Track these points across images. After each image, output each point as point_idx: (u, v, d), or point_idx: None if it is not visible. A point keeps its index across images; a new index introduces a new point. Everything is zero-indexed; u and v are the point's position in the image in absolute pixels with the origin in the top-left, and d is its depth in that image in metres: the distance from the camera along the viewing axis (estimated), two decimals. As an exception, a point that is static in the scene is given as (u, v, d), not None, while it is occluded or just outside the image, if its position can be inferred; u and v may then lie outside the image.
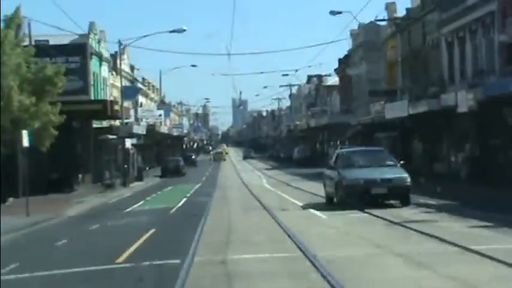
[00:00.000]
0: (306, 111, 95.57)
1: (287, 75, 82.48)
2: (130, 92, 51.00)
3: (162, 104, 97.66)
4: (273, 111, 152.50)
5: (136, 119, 66.19)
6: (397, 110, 46.54)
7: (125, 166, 49.52)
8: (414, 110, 42.90)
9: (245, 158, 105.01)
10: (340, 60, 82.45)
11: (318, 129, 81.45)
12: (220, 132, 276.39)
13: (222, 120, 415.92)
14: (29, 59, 36.92)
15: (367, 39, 69.13)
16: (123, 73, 68.46)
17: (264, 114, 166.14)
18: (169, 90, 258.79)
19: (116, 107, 47.33)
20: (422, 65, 51.06)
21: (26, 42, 41.16)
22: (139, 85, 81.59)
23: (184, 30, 49.54)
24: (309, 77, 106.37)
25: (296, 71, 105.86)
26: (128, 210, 29.42)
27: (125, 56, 71.95)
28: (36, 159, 44.07)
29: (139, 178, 56.53)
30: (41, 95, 36.63)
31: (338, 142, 74.33)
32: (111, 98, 54.49)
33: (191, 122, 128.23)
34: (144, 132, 61.50)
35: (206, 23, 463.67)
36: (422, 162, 50.47)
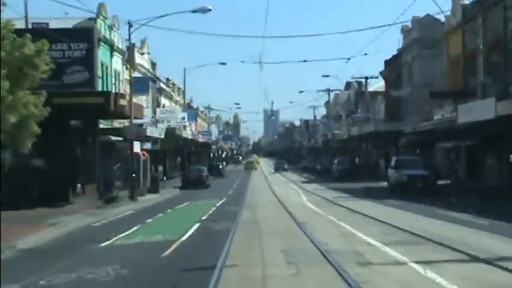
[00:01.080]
0: (346, 119, 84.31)
1: (327, 76, 71.26)
2: (141, 84, 40.28)
3: (188, 108, 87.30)
4: (306, 121, 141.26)
5: (155, 122, 55.52)
6: (477, 112, 35.21)
7: (133, 175, 38.80)
8: (506, 111, 31.72)
9: (277, 170, 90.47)
10: (387, 62, 71.28)
11: (360, 139, 70.18)
12: (251, 142, 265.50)
13: (253, 129, 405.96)
14: (8, 35, 26.58)
15: (421, 35, 58.13)
16: (141, 69, 58.05)
17: (297, 123, 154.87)
18: (196, 94, 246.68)
19: (123, 102, 36.67)
20: (504, 57, 39.97)
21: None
22: (163, 85, 71.08)
23: (209, 9, 38.80)
24: (348, 83, 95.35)
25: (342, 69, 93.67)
26: (105, 244, 18.57)
27: (145, 50, 61.52)
28: (24, 165, 34.76)
29: (154, 189, 45.82)
30: (17, 80, 26.00)
31: (388, 153, 63.17)
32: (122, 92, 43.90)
33: (220, 129, 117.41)
34: (162, 136, 50.83)
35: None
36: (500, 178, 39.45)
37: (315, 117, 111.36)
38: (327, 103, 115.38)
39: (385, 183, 47.13)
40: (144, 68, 60.22)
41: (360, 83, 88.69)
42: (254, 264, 13.41)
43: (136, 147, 38.14)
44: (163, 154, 61.00)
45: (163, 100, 72.62)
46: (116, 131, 42.76)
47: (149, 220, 26.42)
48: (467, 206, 28.42)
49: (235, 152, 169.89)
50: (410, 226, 19.82)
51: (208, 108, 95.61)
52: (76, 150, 40.72)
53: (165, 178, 50.85)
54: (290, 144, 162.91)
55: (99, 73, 44.98)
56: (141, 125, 46.41)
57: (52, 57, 44.00)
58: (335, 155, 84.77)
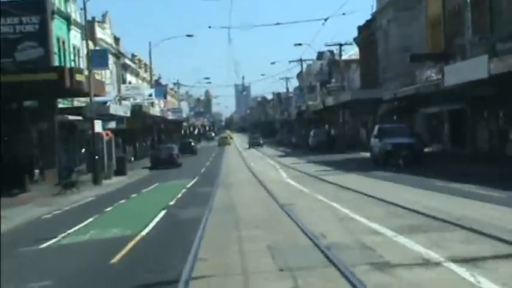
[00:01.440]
0: (320, 90, 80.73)
1: (300, 44, 67.28)
2: (99, 57, 36.16)
3: (157, 85, 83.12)
4: (279, 94, 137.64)
5: (120, 99, 51.47)
6: (466, 72, 31.80)
7: (96, 157, 34.95)
8: (500, 69, 28.37)
9: (252, 145, 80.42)
10: (360, 28, 67.69)
11: (336, 109, 66.68)
12: (223, 118, 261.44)
13: (225, 105, 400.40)
14: None
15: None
16: (103, 44, 53.88)
17: (270, 97, 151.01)
18: (164, 71, 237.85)
19: (80, 78, 32.68)
20: (489, 15, 36.75)
21: None
22: (128, 61, 66.87)
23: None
24: (320, 53, 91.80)
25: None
26: (47, 244, 14.87)
27: (107, 24, 57.30)
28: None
29: (121, 171, 42.02)
30: None
31: (366, 122, 59.81)
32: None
33: (191, 105, 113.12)
34: (128, 114, 46.88)
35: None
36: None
37: (287, 89, 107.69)
38: (299, 74, 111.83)
39: (366, 154, 43.88)
40: (107, 43, 56.02)
41: (332, 52, 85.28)
42: (231, 274, 9.77)
43: (98, 126, 34.26)
44: (132, 134, 57.09)
45: (129, 77, 68.43)
46: (78, 111, 38.80)
47: (109, 208, 22.72)
48: (464, 175, 25.11)
49: (207, 128, 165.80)
50: (418, 204, 16.35)
51: (177, 84, 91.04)
52: (31, 132, 36.84)
53: (132, 159, 47.00)
54: (263, 119, 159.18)
55: (55, 49, 40.85)
56: (104, 102, 42.48)
57: (1, 33, 40.09)
58: (310, 127, 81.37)
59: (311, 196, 21.58)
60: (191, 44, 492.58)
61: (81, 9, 39.06)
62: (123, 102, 48.01)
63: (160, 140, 66.73)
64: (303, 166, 40.61)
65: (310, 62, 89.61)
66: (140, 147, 64.65)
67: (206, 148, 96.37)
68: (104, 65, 36.88)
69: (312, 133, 66.51)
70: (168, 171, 46.51)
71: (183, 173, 43.79)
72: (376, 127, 40.97)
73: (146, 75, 79.12)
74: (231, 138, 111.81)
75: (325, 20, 58.16)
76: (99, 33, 53.15)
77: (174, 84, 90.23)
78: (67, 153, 40.29)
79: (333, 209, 17.22)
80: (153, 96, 58.25)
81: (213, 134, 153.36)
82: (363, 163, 39.15)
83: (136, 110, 48.60)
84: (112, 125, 42.90)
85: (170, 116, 70.73)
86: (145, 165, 51.40)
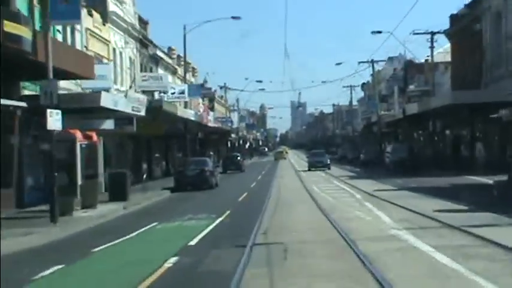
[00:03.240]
0: (399, 96, 64.04)
1: (379, 32, 49.94)
2: (64, 3, 20.37)
3: (203, 89, 67.78)
4: (339, 107, 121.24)
5: (134, 91, 35.92)
6: None
7: (55, 174, 19.41)
8: None
9: (313, 167, 55.61)
10: (454, 17, 51.07)
11: (422, 118, 50.15)
12: (278, 134, 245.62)
13: (280, 117, 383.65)
14: None
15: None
16: (121, 23, 38.94)
17: (328, 111, 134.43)
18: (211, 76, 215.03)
19: (13, 29, 17.40)
20: None
21: None
22: (161, 54, 51.63)
23: None
24: (391, 58, 75.32)
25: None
26: None
27: (127, -2, 42.22)
28: None
29: (119, 195, 26.53)
30: None
31: (472, 135, 43.06)
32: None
33: (241, 114, 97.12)
34: (142, 113, 31.43)
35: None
36: None
37: (351, 100, 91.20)
38: (364, 85, 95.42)
39: (476, 179, 28.12)
40: (127, 22, 40.90)
41: (405, 58, 68.85)
42: None
43: (56, 122, 18.69)
44: (147, 141, 41.69)
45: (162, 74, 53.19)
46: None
47: None
48: None
49: (260, 143, 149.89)
50: None
51: (225, 87, 75.07)
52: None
53: (144, 176, 31.57)
54: (321, 134, 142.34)
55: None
56: (107, 90, 27.40)
57: None
58: (382, 141, 64.84)
59: None
60: (240, 48, 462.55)
61: None
62: (139, 97, 32.51)
63: (196, 152, 51.24)
64: (399, 196, 24.34)
65: (379, 67, 73.11)
66: (159, 160, 49.14)
67: (257, 164, 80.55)
68: (74, 17, 21.26)
69: (389, 149, 50.01)
70: (194, 196, 30.97)
71: (212, 199, 28.22)
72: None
73: (188, 76, 63.86)
74: (286, 153, 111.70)
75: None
76: (112, 4, 38.04)
77: (221, 87, 74.33)
78: (32, 165, 24.98)
79: None
80: (186, 94, 42.90)
81: (266, 149, 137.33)
82: (503, 194, 22.66)
83: (154, 107, 33.06)
84: (108, 125, 27.42)
85: (211, 123, 55.01)
86: (168, 185, 35.87)
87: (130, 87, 36.20)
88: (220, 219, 19.22)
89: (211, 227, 17.33)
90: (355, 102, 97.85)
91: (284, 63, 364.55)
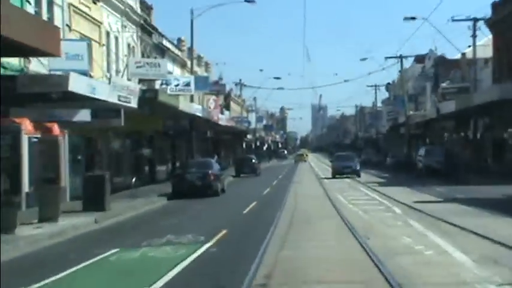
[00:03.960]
0: (432, 94, 57.54)
1: (413, 18, 42.78)
2: None
3: (216, 85, 61.89)
4: (362, 108, 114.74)
5: (128, 79, 29.91)
6: None
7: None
8: None
9: (339, 173, 43.55)
10: (496, 4, 44.64)
11: (460, 118, 43.84)
12: (299, 137, 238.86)
13: (300, 117, 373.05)
14: None
15: None
16: (117, 3, 33.15)
17: (352, 111, 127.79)
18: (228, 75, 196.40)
19: None
20: None
21: None
22: (168, 45, 45.83)
23: None
24: (419, 56, 68.61)
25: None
26: None
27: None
28: None
29: (97, 204, 20.72)
30: None
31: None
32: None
33: (258, 114, 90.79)
34: (133, 104, 25.53)
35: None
36: None
37: (375, 101, 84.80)
38: (388, 85, 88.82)
39: None
40: (124, 2, 35.05)
41: (436, 54, 62.41)
42: None
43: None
44: (138, 138, 35.84)
45: (170, 67, 47.38)
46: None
47: None
48: None
49: (280, 145, 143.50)
50: None
51: (240, 84, 68.81)
52: None
53: (133, 180, 25.61)
54: (342, 137, 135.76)
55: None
56: (82, 73, 21.60)
57: None
58: (410, 144, 58.46)
59: None
60: (257, 37, 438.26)
61: None
62: (129, 84, 26.58)
63: (207, 153, 45.25)
64: (452, 212, 18.19)
65: (408, 63, 66.66)
66: (164, 161, 43.29)
67: (275, 168, 74.36)
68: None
69: (422, 152, 43.58)
70: (191, 205, 25.11)
71: (212, 211, 22.29)
72: None
73: (199, 70, 57.95)
74: (306, 155, 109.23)
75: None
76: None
77: (236, 84, 68.06)
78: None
79: None
80: (192, 87, 36.94)
81: (286, 152, 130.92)
82: None
83: (149, 98, 27.09)
84: (81, 116, 21.53)
85: (223, 122, 48.89)
86: (168, 191, 29.88)
87: (121, 74, 30.27)
88: (208, 245, 13.19)
89: (187, 261, 11.30)
90: (379, 104, 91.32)
91: (304, 65, 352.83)
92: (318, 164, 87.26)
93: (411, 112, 58.68)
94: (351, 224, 16.00)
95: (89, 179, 21.85)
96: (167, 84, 36.20)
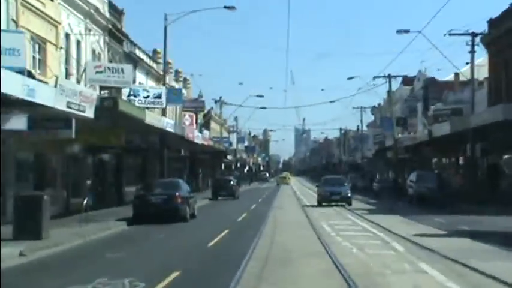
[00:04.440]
0: (423, 115, 53.85)
1: (407, 31, 38.38)
2: None
3: (195, 102, 58.14)
4: (345, 133, 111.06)
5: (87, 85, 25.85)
6: None
7: None
8: None
9: (327, 201, 36.83)
10: (493, 22, 41.22)
11: (451, 141, 40.21)
12: (281, 160, 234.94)
13: (283, 147, 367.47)
14: None
15: None
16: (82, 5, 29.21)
17: (336, 134, 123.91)
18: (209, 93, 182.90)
19: None
20: None
21: None
22: (142, 55, 41.97)
23: None
24: (406, 78, 65.05)
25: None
26: None
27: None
28: None
29: (31, 230, 16.63)
30: None
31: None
32: None
33: (240, 135, 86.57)
34: (87, 113, 21.40)
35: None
36: None
37: (360, 123, 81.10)
38: (374, 108, 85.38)
39: None
40: (89, 3, 31.06)
41: (425, 75, 59.02)
42: None
43: None
44: (121, 156, 31.80)
45: (143, 79, 43.44)
46: None
47: None
48: None
49: (262, 168, 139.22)
50: None
51: (220, 102, 64.27)
52: None
53: (85, 202, 21.49)
54: (326, 161, 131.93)
55: None
56: (18, 71, 17.55)
57: None
58: (398, 169, 54.73)
59: None
60: (236, 47, 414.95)
61: None
62: (82, 90, 22.50)
63: (182, 173, 41.04)
64: (470, 252, 14.33)
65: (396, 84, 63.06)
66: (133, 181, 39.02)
67: (255, 191, 70.31)
68: None
69: (413, 177, 39.71)
70: (151, 233, 21.11)
71: (172, 241, 18.35)
72: None
73: (177, 85, 53.93)
74: (289, 178, 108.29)
75: None
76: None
77: (216, 102, 63.52)
78: None
79: None
80: (163, 99, 32.96)
81: (267, 175, 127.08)
82: None
83: (107, 108, 23.06)
84: (14, 124, 17.48)
85: (201, 140, 44.64)
86: (128, 215, 25.76)
87: (80, 80, 26.26)
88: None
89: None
90: (364, 127, 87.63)
91: (287, 86, 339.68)
92: (300, 188, 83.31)
93: (399, 135, 54.99)
94: (343, 267, 12.03)
95: (21, 200, 17.77)
96: (135, 95, 32.20)
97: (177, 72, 55.53)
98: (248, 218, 27.87)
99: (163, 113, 35.35)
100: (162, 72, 46.68)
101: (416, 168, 45.91)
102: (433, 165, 50.48)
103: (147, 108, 32.95)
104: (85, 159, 31.34)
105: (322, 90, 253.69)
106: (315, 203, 37.97)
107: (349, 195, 36.58)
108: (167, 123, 32.61)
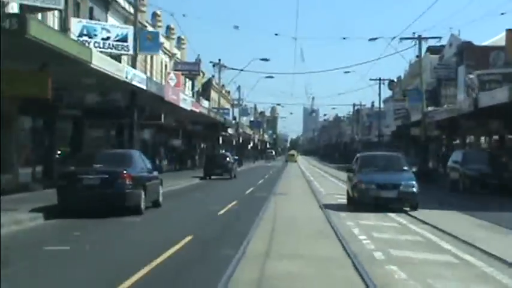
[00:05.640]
0: (465, 82, 44.29)
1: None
2: None
3: (189, 65, 49.09)
4: (358, 110, 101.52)
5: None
6: None
7: None
8: None
9: (371, 202, 18.23)
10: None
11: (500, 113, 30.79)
12: (289, 139, 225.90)
13: (290, 126, 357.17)
14: None
15: None
16: None
17: (346, 113, 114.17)
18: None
19: None
20: None
21: None
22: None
23: None
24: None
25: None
26: None
27: None
28: None
29: None
30: None
31: None
32: None
33: (243, 107, 76.76)
34: None
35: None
36: None
37: (379, 96, 71.45)
38: (391, 82, 75.71)
39: None
40: None
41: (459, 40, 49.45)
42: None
43: None
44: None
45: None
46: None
47: None
48: None
49: (268, 145, 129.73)
50: None
51: (219, 65, 53.82)
52: None
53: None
54: (337, 139, 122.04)
55: None
56: None
57: None
58: (428, 149, 45.55)
59: None
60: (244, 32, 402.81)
61: None
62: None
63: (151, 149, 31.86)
64: None
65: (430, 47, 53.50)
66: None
67: (258, 169, 61.32)
68: None
69: (458, 157, 30.37)
70: (83, 228, 12.13)
71: (99, 252, 9.01)
72: None
73: (168, 45, 44.52)
74: (297, 156, 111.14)
75: None
76: None
77: (214, 65, 53.30)
78: None
79: None
80: (130, 44, 23.63)
81: (274, 153, 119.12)
82: None
83: (12, 30, 13.96)
84: None
85: (189, 106, 34.88)
86: (54, 203, 16.76)
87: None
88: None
89: None
90: (380, 103, 77.93)
91: (294, 63, 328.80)
92: (308, 167, 74.31)
93: (429, 108, 45.59)
94: None
95: None
96: (89, 35, 23.01)
97: (168, 28, 46.06)
98: (236, 210, 18.76)
99: (133, 64, 26.03)
100: (146, 23, 37.64)
101: (455, 148, 36.65)
102: (476, 144, 41.17)
103: (110, 55, 23.83)
104: (18, 122, 22.31)
105: (313, 99, 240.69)
106: (332, 191, 28.28)
107: (414, 190, 18.59)
108: (134, 76, 23.30)
